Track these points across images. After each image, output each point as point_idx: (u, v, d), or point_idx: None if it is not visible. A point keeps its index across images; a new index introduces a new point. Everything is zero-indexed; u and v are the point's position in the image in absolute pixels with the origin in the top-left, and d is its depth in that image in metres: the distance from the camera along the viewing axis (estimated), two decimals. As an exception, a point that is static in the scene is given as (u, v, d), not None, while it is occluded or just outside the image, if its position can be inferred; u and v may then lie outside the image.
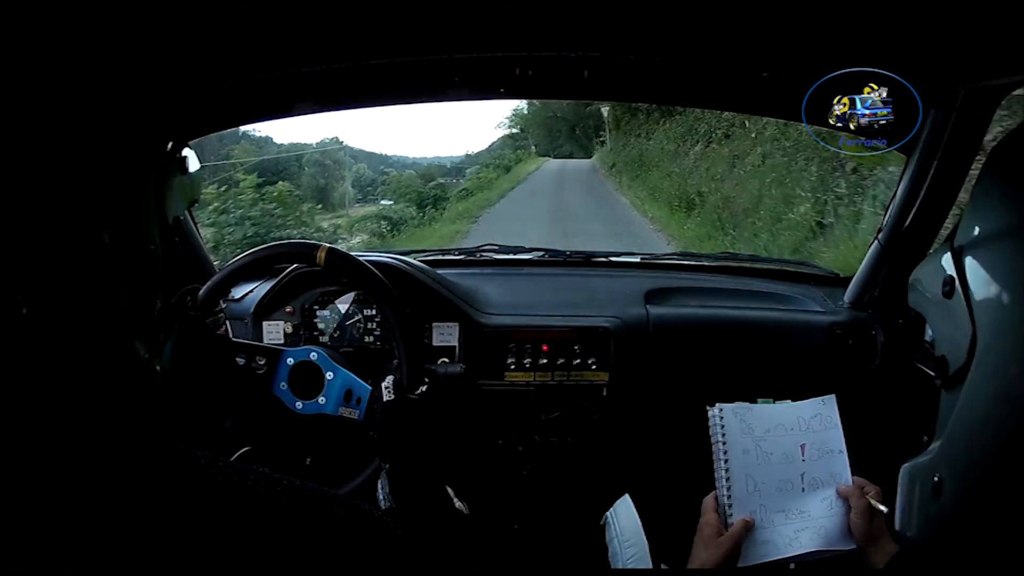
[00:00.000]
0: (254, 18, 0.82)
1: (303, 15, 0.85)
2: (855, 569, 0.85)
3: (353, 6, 0.84)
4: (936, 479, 0.44)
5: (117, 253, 0.40)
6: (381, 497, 1.03)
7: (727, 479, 0.85)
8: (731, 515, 0.84)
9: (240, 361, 1.10)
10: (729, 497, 0.84)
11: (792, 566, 0.84)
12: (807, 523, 0.83)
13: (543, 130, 31.16)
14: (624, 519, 1.10)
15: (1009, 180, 0.43)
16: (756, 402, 0.90)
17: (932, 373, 0.47)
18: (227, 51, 0.91)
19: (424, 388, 1.09)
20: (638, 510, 1.10)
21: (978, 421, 0.42)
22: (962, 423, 0.43)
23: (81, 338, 0.38)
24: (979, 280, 0.42)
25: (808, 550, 0.81)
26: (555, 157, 28.33)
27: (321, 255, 1.11)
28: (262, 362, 1.11)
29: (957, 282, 0.43)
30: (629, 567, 1.02)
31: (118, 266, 0.40)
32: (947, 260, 0.45)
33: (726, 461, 0.85)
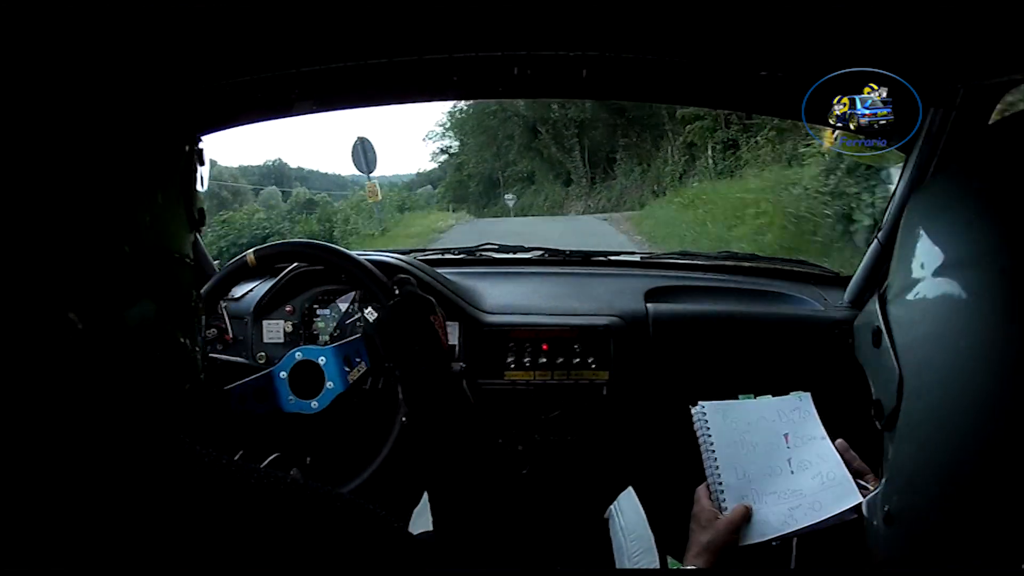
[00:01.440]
0: (252, 17, 0.82)
1: (302, 15, 0.85)
2: (855, 569, 0.85)
3: (352, 6, 0.84)
4: (886, 509, 0.48)
5: (142, 263, 0.41)
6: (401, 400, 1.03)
7: (717, 469, 0.88)
8: (724, 501, 0.86)
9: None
10: (720, 486, 0.87)
11: (794, 540, 0.84)
12: (800, 500, 0.84)
13: (484, 138, 18.75)
14: (628, 512, 1.10)
15: (916, 235, 0.48)
16: (738, 398, 0.93)
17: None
18: (223, 51, 0.91)
19: (397, 293, 1.08)
20: (644, 505, 1.10)
21: (912, 453, 0.46)
22: (900, 456, 0.47)
23: (129, 345, 0.39)
24: (900, 326, 0.46)
25: (803, 525, 0.82)
26: (489, 203, 17.27)
27: (251, 258, 1.15)
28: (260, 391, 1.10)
29: (884, 331, 0.47)
30: (635, 560, 1.02)
31: (144, 276, 0.41)
32: (876, 313, 0.49)
33: (713, 453, 0.89)
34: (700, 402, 0.92)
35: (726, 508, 0.85)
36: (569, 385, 1.30)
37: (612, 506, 1.14)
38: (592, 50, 1.04)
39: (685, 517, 0.94)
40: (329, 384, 1.09)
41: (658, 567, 0.99)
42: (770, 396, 0.93)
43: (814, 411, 0.91)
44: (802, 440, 0.88)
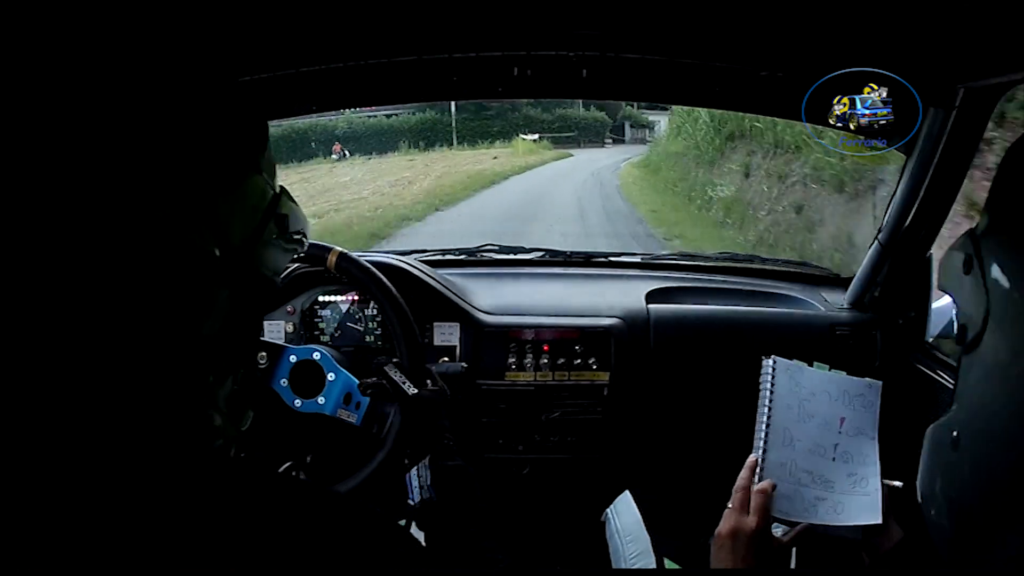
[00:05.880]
0: (252, 18, 0.82)
1: (301, 15, 0.85)
2: (855, 569, 0.85)
3: (352, 6, 0.84)
4: (955, 434, 0.48)
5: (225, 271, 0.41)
6: (416, 488, 1.01)
7: (766, 426, 0.87)
8: (763, 460, 0.85)
9: None
10: (765, 442, 0.86)
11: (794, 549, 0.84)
12: (828, 493, 0.84)
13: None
14: (625, 515, 1.10)
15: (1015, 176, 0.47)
16: (812, 364, 0.91)
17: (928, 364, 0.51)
18: (222, 51, 0.91)
19: (432, 384, 1.10)
20: (639, 508, 1.10)
21: (991, 376, 0.46)
22: (977, 380, 0.47)
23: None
24: (992, 256, 0.47)
25: (821, 522, 0.82)
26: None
27: (332, 259, 1.12)
28: (263, 355, 1.11)
29: (975, 259, 0.48)
30: (631, 563, 1.02)
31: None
32: (967, 243, 0.50)
33: (769, 410, 0.88)
34: (773, 356, 0.90)
35: (763, 465, 0.85)
36: (570, 386, 1.29)
37: (608, 509, 1.14)
38: (592, 50, 1.04)
39: (683, 521, 0.93)
40: (320, 399, 1.10)
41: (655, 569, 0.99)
42: (843, 372, 0.91)
43: (877, 406, 0.89)
44: (855, 431, 0.87)
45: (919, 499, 0.53)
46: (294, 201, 0.49)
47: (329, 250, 1.13)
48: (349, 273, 1.13)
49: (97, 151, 0.35)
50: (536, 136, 19.74)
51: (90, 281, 0.35)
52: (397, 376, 1.04)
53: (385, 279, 1.13)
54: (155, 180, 0.37)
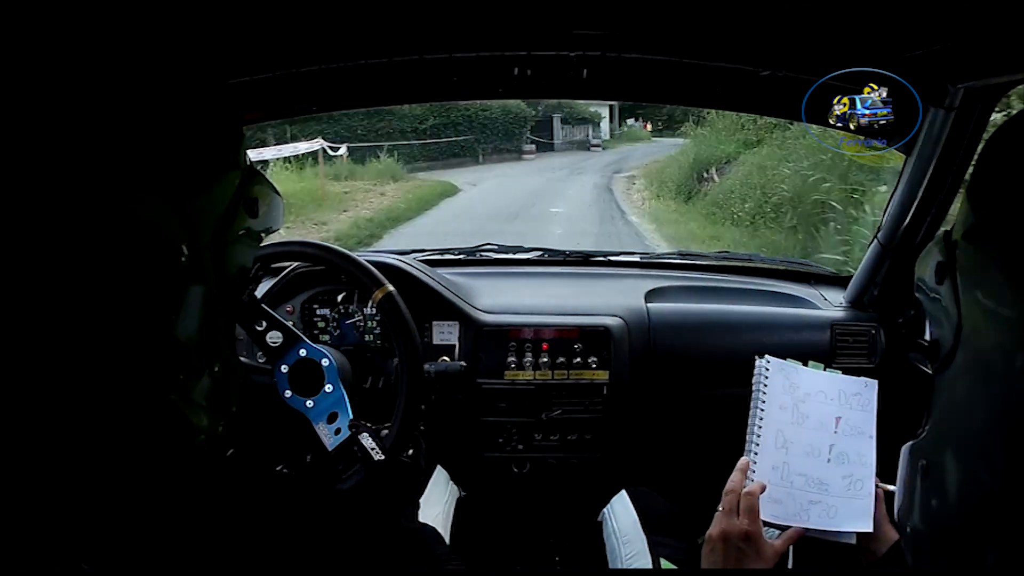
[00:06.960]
0: (252, 18, 0.82)
1: (301, 15, 0.85)
2: (855, 569, 0.86)
3: (352, 6, 0.84)
4: (923, 463, 0.46)
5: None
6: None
7: (759, 428, 0.86)
8: (755, 463, 0.84)
9: (260, 327, 1.10)
10: (757, 446, 0.85)
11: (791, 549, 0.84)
12: (822, 496, 0.83)
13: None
14: (621, 516, 1.10)
15: (991, 178, 0.44)
16: (807, 364, 0.90)
17: (926, 363, 0.49)
18: (223, 51, 0.91)
19: (411, 452, 1.09)
20: (636, 508, 1.10)
21: (961, 403, 0.43)
22: (947, 405, 0.45)
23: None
24: (966, 268, 0.43)
25: (814, 527, 0.81)
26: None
27: (379, 295, 1.10)
28: (278, 335, 1.11)
29: (947, 267, 0.44)
30: (627, 564, 1.02)
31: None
32: (941, 250, 0.46)
33: (762, 411, 0.87)
34: (766, 356, 0.89)
35: (755, 471, 0.84)
36: (570, 385, 1.30)
37: (605, 509, 1.14)
38: (592, 50, 1.04)
39: (681, 520, 0.93)
40: (309, 403, 1.09)
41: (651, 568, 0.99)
42: (839, 372, 0.90)
43: (874, 403, 0.88)
44: (851, 430, 0.86)
45: (896, 518, 0.51)
46: (271, 186, 0.47)
47: (381, 285, 1.11)
48: (386, 315, 1.11)
49: (69, 146, 0.35)
50: (339, 149, 10.19)
51: (56, 278, 0.34)
52: (368, 442, 1.03)
53: (417, 339, 1.11)
54: (130, 177, 0.37)
